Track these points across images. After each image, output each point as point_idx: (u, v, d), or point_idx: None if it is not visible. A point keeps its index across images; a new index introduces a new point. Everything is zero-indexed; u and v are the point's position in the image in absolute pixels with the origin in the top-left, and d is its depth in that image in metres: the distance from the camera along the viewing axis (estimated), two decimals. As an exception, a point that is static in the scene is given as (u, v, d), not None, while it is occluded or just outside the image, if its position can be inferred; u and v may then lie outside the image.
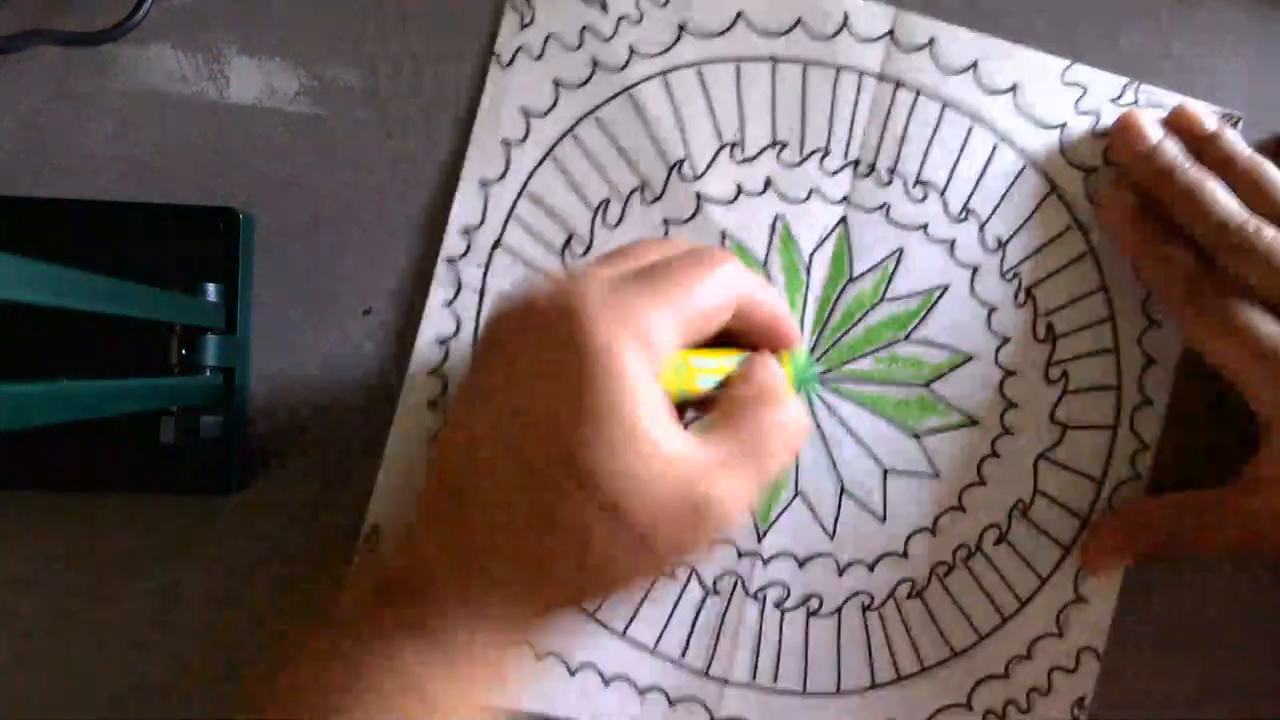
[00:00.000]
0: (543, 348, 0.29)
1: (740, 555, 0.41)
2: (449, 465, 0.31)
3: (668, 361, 0.30)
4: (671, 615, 0.41)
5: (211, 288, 0.39)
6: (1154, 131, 0.39)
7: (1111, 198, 0.40)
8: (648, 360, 0.29)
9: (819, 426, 0.41)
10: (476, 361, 0.31)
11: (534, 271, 0.41)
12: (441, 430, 0.33)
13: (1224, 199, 0.38)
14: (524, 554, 0.29)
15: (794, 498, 0.41)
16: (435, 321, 0.41)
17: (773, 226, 0.42)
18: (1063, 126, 0.41)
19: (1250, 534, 0.39)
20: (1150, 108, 0.41)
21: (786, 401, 0.32)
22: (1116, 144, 0.40)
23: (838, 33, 0.42)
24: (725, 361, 0.33)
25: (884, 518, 0.41)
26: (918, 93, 0.41)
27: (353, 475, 0.41)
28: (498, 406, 0.29)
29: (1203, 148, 0.39)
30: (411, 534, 0.32)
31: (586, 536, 0.28)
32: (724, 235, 0.41)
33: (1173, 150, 0.39)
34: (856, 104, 0.42)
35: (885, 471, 0.41)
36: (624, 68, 0.42)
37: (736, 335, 0.34)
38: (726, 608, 0.41)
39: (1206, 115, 0.40)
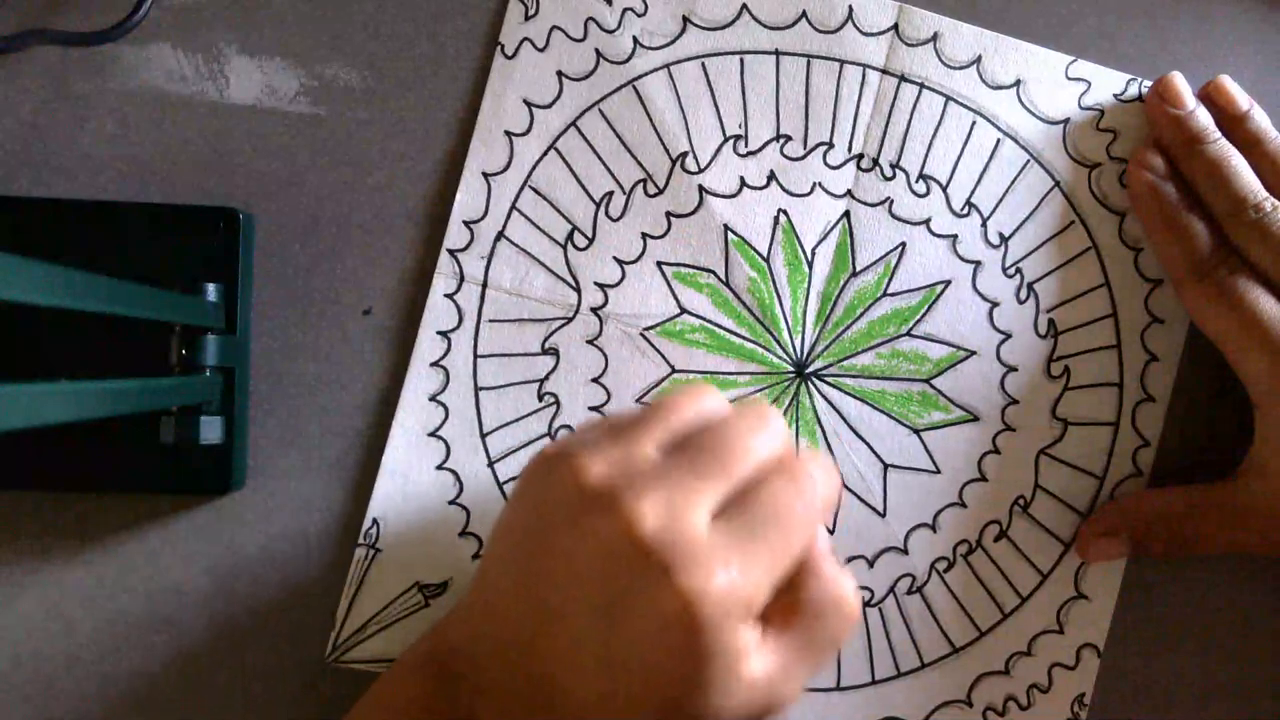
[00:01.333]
0: (647, 596, 0.29)
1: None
2: (517, 626, 0.32)
3: None
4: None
5: (211, 288, 0.39)
6: (1189, 99, 0.40)
7: (1143, 157, 0.40)
8: (752, 623, 0.30)
9: (819, 421, 0.41)
10: (546, 545, 0.32)
11: (535, 264, 0.41)
12: (502, 557, 0.34)
13: (1246, 176, 0.38)
14: None
15: (795, 494, 0.41)
16: (437, 314, 0.41)
17: (775, 220, 0.41)
18: (1066, 122, 0.41)
19: (1248, 531, 0.39)
20: (1154, 103, 0.41)
21: (852, 600, 0.32)
22: (1152, 103, 0.40)
23: (842, 26, 0.41)
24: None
25: (884, 513, 0.41)
26: (921, 87, 0.41)
27: (353, 475, 0.41)
28: (587, 610, 0.30)
29: (1233, 126, 0.40)
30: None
31: None
32: (727, 228, 0.41)
33: (1204, 120, 0.39)
34: (860, 98, 0.41)
35: (886, 467, 0.41)
36: (628, 60, 0.41)
37: None
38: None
39: (1240, 94, 0.40)
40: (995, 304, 0.41)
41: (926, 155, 0.41)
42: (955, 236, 0.41)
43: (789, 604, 0.31)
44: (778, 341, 0.41)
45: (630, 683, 0.29)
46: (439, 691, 0.34)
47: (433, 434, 0.41)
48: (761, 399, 0.33)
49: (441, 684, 0.34)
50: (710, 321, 0.41)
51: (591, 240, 0.41)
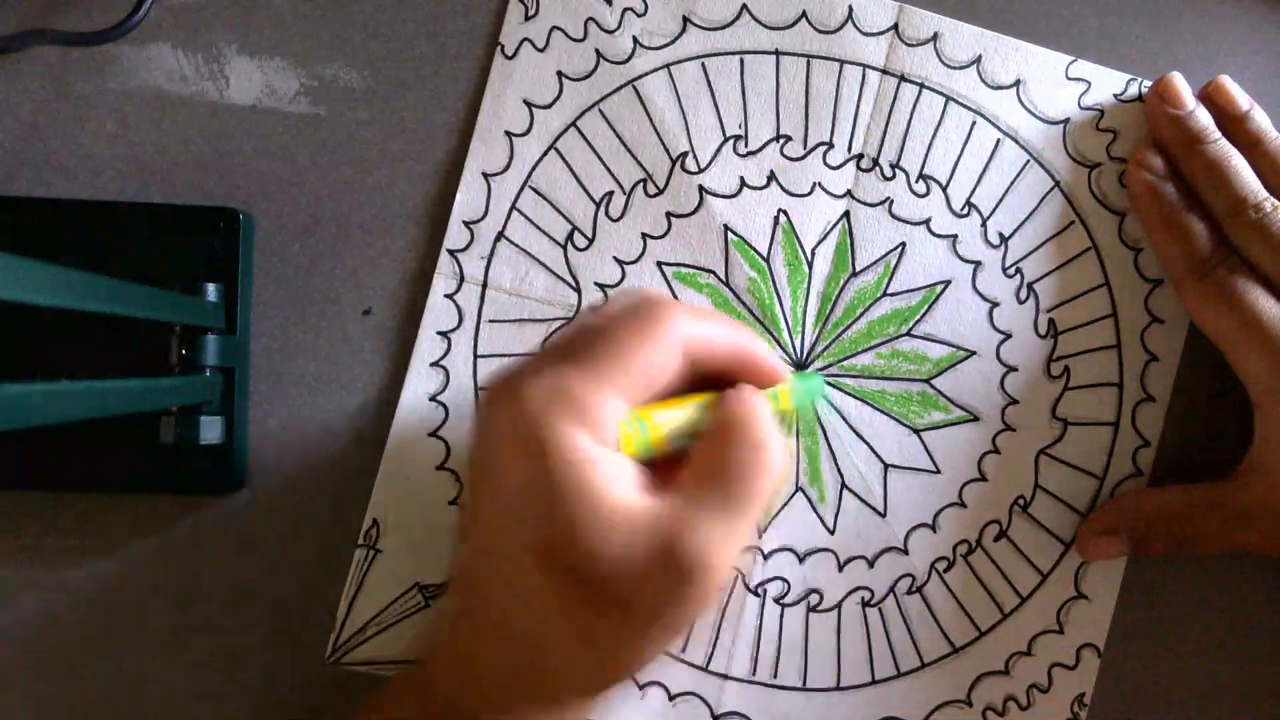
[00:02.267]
0: (501, 459, 0.29)
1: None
2: (459, 585, 0.32)
3: (622, 427, 0.30)
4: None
5: (211, 288, 0.39)
6: (1189, 99, 0.40)
7: (1142, 157, 0.40)
8: (594, 437, 0.29)
9: (820, 421, 0.41)
10: (467, 480, 0.32)
11: (536, 264, 0.41)
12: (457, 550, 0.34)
13: (1246, 176, 0.39)
14: (543, 671, 0.30)
15: (794, 493, 0.41)
16: (437, 314, 0.41)
17: (775, 220, 0.41)
18: (1066, 122, 0.41)
19: (1248, 531, 0.39)
20: (1154, 102, 0.41)
21: (756, 433, 0.31)
22: (1152, 103, 0.40)
23: (842, 26, 0.41)
24: (691, 407, 0.32)
25: (884, 513, 0.41)
26: (921, 87, 0.41)
27: (353, 475, 0.41)
28: (485, 524, 0.30)
29: (1233, 126, 0.40)
30: (435, 651, 0.33)
31: (587, 631, 0.29)
32: (727, 229, 0.41)
33: (1204, 119, 0.40)
34: (860, 98, 0.41)
35: (886, 467, 0.41)
36: (628, 60, 0.41)
37: (716, 380, 0.33)
38: (726, 603, 0.41)
39: (1240, 94, 0.40)
40: (995, 304, 0.41)
41: (926, 155, 0.41)
42: (955, 236, 0.41)
43: (701, 458, 0.31)
44: (778, 341, 0.41)
45: (517, 545, 0.29)
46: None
47: (433, 434, 0.41)
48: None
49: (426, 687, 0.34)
50: (710, 321, 0.41)
51: (591, 240, 0.41)
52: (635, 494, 0.29)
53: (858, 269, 0.41)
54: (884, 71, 0.41)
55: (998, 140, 0.41)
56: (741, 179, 0.41)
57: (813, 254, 0.41)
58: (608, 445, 0.29)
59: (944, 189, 0.41)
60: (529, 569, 0.28)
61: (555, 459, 0.28)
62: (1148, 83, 0.41)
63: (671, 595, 0.28)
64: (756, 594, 0.41)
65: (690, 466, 0.30)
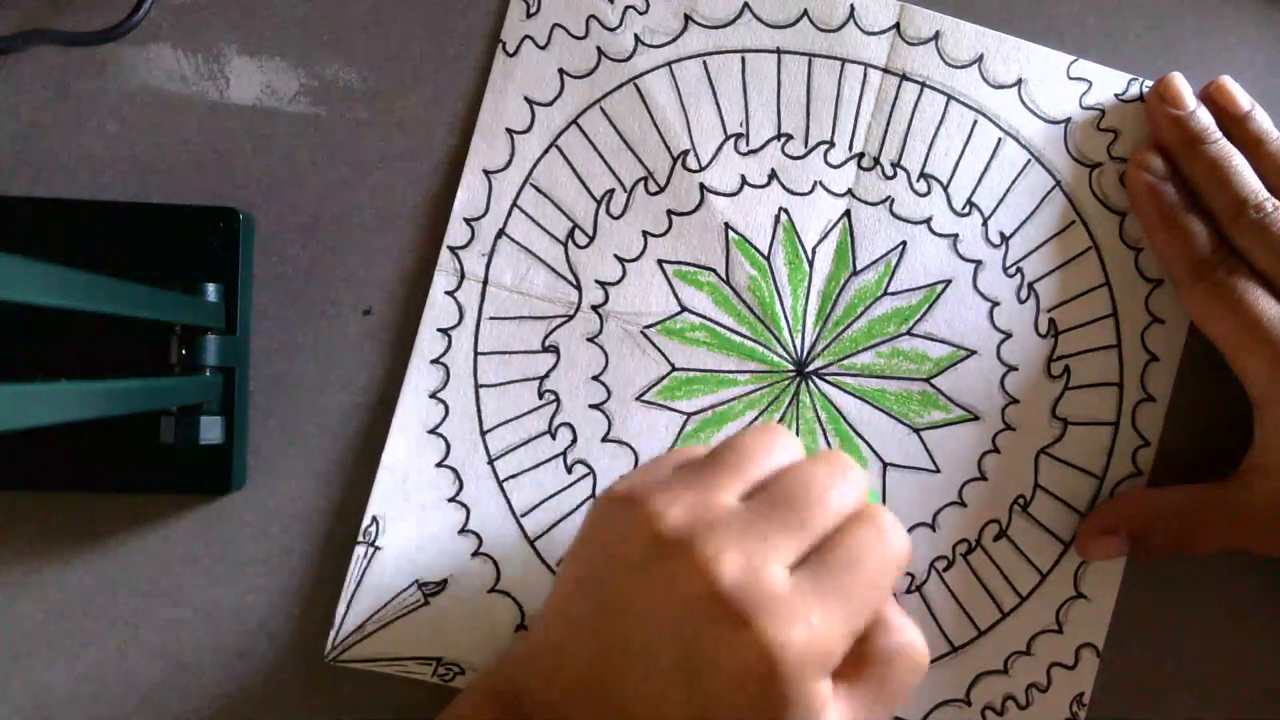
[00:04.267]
0: (729, 648, 0.29)
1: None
2: (595, 668, 0.31)
3: None
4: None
5: (211, 288, 0.39)
6: (1190, 99, 0.40)
7: (1142, 158, 0.40)
8: (826, 678, 0.30)
9: (819, 420, 0.41)
10: (630, 588, 0.31)
11: (536, 262, 0.41)
12: (577, 598, 0.33)
13: (1247, 176, 0.38)
14: None
15: (795, 493, 0.41)
16: (437, 310, 0.41)
17: (776, 219, 0.41)
18: (1067, 121, 0.41)
19: (1248, 531, 0.39)
20: (1155, 102, 0.41)
21: (921, 648, 0.32)
22: (1152, 104, 0.40)
23: (843, 25, 0.41)
24: None
25: (885, 513, 0.41)
26: (923, 86, 0.41)
27: (353, 475, 0.41)
28: (669, 661, 0.30)
29: (1234, 126, 0.40)
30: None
31: None
32: (728, 227, 0.41)
33: (1205, 120, 0.39)
34: (861, 97, 0.41)
35: (885, 466, 0.41)
36: (630, 58, 0.41)
37: None
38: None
39: (1241, 94, 0.40)
40: (996, 303, 0.41)
41: (927, 154, 0.41)
42: (956, 236, 0.41)
43: (859, 655, 0.31)
44: (778, 340, 0.41)
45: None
46: None
47: (433, 431, 0.41)
48: (838, 451, 0.33)
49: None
50: (711, 320, 0.41)
51: (592, 238, 0.41)
52: (834, 715, 0.30)
53: (858, 268, 0.41)
54: (885, 70, 0.41)
55: (999, 139, 0.41)
56: (742, 177, 0.41)
57: (813, 252, 0.41)
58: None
59: (945, 188, 0.41)
60: None
61: (796, 712, 0.29)
62: (1149, 83, 0.41)
63: None
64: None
65: (867, 680, 0.31)
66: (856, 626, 0.30)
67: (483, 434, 0.41)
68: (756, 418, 0.41)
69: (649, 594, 0.30)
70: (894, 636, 0.32)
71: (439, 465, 0.41)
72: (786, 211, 0.41)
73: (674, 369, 0.41)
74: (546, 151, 0.41)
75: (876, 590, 0.31)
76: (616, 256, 0.41)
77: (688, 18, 0.41)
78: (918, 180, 0.41)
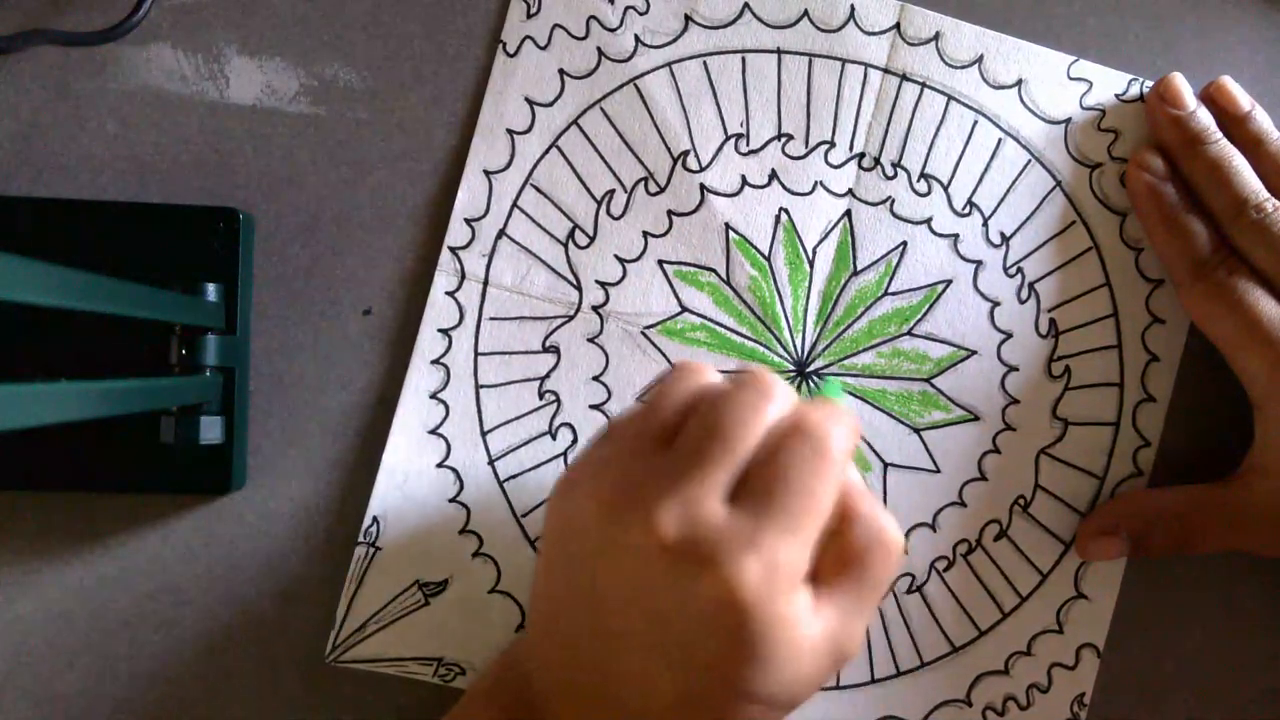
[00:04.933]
0: (690, 595, 0.29)
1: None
2: (581, 650, 0.32)
3: None
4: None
5: (211, 288, 0.39)
6: (1190, 99, 0.40)
7: (1142, 158, 0.40)
8: (796, 593, 0.30)
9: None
10: (582, 546, 0.31)
11: (537, 262, 0.41)
12: (551, 588, 0.34)
13: (1247, 176, 0.39)
14: None
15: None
16: (438, 311, 0.41)
17: (777, 219, 0.41)
18: (1067, 122, 0.41)
19: (1248, 532, 0.39)
20: (1156, 102, 0.41)
21: (893, 533, 0.32)
22: (1153, 104, 0.40)
23: (844, 25, 0.41)
24: None
25: (885, 514, 0.41)
26: (923, 87, 0.41)
27: (353, 475, 0.41)
28: (642, 622, 0.30)
29: (1234, 126, 0.40)
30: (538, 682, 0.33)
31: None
32: (728, 227, 0.41)
33: (1205, 120, 0.39)
34: (862, 97, 0.41)
35: (886, 466, 0.41)
36: (630, 58, 0.41)
37: None
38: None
39: (1241, 94, 0.40)
40: (996, 303, 0.41)
41: (928, 154, 0.41)
42: (956, 236, 0.41)
43: (835, 553, 0.31)
44: (778, 340, 0.41)
45: (697, 681, 0.30)
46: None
47: (433, 431, 0.41)
48: (759, 367, 0.33)
49: (516, 713, 0.34)
50: (711, 320, 0.41)
51: (593, 238, 0.41)
52: (816, 625, 0.30)
53: (859, 268, 0.41)
54: (886, 71, 0.41)
55: (999, 140, 0.41)
56: (743, 177, 0.41)
57: (814, 253, 0.41)
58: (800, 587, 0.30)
59: (945, 188, 0.41)
60: (712, 687, 0.30)
61: (771, 636, 0.29)
62: (1149, 83, 0.41)
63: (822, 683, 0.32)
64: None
65: (840, 571, 0.31)
66: (809, 535, 0.30)
67: (483, 434, 0.41)
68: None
69: (608, 569, 0.30)
70: (865, 526, 0.31)
71: (439, 466, 0.41)
72: (787, 211, 0.41)
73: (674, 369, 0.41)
74: (547, 152, 0.41)
75: (819, 494, 0.30)
76: (617, 257, 0.41)
77: (688, 18, 0.41)
78: (918, 180, 0.41)
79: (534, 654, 0.34)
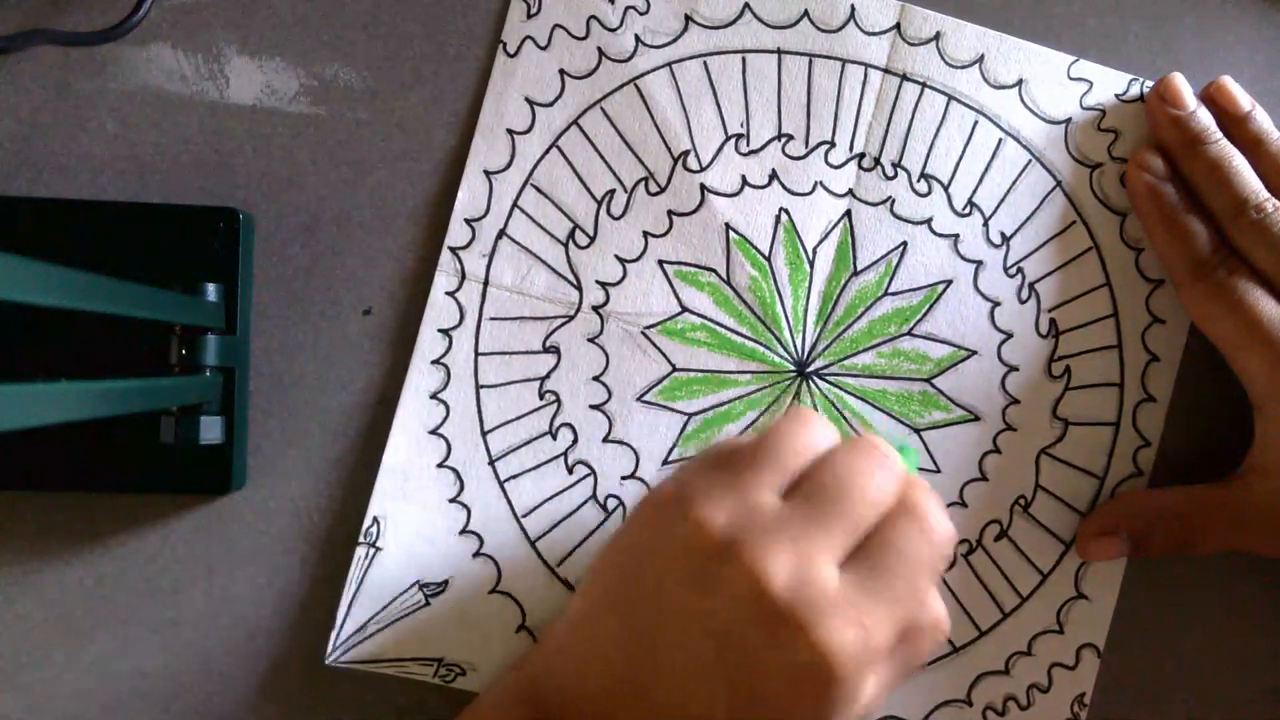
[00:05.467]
0: (782, 649, 0.29)
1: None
2: (624, 673, 0.31)
3: None
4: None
5: (211, 288, 0.39)
6: (1191, 99, 0.40)
7: (1142, 159, 0.40)
8: (879, 669, 0.30)
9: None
10: (672, 582, 0.31)
11: (537, 262, 0.41)
12: (611, 597, 0.33)
13: (1248, 176, 0.38)
14: None
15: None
16: (438, 311, 0.41)
17: (777, 219, 0.41)
18: (1068, 121, 0.41)
19: (1249, 532, 0.39)
20: (1156, 102, 0.41)
21: (945, 623, 0.32)
22: (1153, 104, 0.40)
23: (844, 25, 0.41)
24: None
25: (886, 514, 0.41)
26: (923, 87, 0.41)
27: (353, 475, 0.41)
28: (715, 663, 0.30)
29: (1234, 126, 0.40)
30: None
31: None
32: (728, 227, 0.41)
33: (1205, 120, 0.39)
34: (862, 97, 0.41)
35: (887, 467, 0.41)
36: (630, 58, 0.41)
37: None
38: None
39: (1241, 94, 0.40)
40: (996, 304, 0.41)
41: (928, 155, 0.41)
42: (957, 236, 0.41)
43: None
44: (779, 340, 0.41)
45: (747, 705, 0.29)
46: None
47: (433, 431, 0.41)
48: (871, 437, 0.33)
49: None
50: (711, 320, 0.41)
51: (593, 238, 0.41)
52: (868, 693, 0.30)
53: (859, 268, 0.41)
54: (886, 71, 0.41)
55: (999, 140, 0.41)
56: (743, 178, 0.41)
57: (814, 253, 0.41)
58: None
59: (945, 188, 0.41)
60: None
61: (848, 707, 0.29)
62: (1149, 83, 0.41)
63: None
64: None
65: (897, 645, 0.31)
66: (903, 621, 0.30)
67: (483, 435, 0.41)
68: (758, 418, 0.41)
69: (693, 596, 0.30)
70: (928, 612, 0.31)
71: (440, 466, 0.41)
72: (787, 212, 0.41)
73: (675, 369, 0.41)
74: (547, 152, 0.41)
75: (922, 583, 0.31)
76: (617, 257, 0.41)
77: (688, 18, 0.41)
78: (918, 180, 0.41)
79: (566, 664, 0.33)
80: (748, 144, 0.41)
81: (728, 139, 0.41)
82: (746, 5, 0.41)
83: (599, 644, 0.32)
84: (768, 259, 0.41)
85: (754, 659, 0.29)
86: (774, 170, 0.41)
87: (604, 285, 0.41)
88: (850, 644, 0.29)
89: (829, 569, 0.30)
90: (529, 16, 0.41)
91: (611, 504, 0.41)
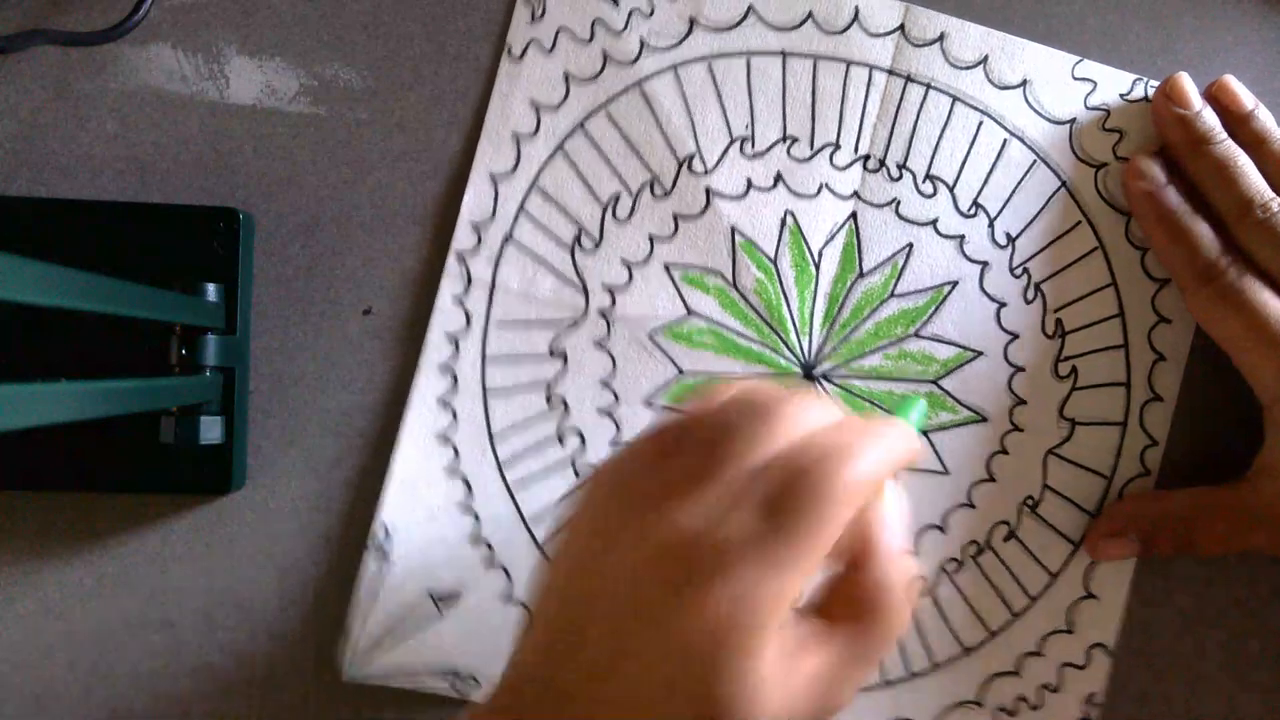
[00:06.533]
0: (680, 642, 0.26)
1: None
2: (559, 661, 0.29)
3: None
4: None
5: (211, 288, 0.39)
6: (1196, 99, 0.40)
7: (1139, 167, 0.40)
8: (769, 628, 0.27)
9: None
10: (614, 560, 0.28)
11: (543, 266, 0.41)
12: (553, 602, 0.30)
13: (1253, 176, 0.38)
14: None
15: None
16: (445, 316, 0.41)
17: (782, 221, 0.41)
18: (1072, 122, 0.41)
19: (1258, 532, 0.39)
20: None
21: (897, 591, 0.29)
22: (1159, 104, 0.40)
23: (848, 27, 0.41)
24: None
25: (893, 516, 0.41)
26: (928, 88, 0.41)
27: (353, 475, 0.41)
28: (636, 667, 0.27)
29: (1237, 125, 0.39)
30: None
31: None
32: (734, 230, 0.41)
33: (1211, 120, 0.39)
34: (867, 99, 0.41)
35: (894, 469, 0.41)
36: (635, 61, 0.41)
37: None
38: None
39: (1245, 93, 0.40)
40: (1002, 304, 0.41)
41: (933, 156, 0.41)
42: (962, 237, 0.41)
43: (846, 591, 0.29)
44: (785, 343, 0.41)
45: (665, 692, 0.27)
46: None
47: (441, 437, 0.41)
48: (760, 383, 0.30)
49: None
50: (718, 323, 0.41)
51: (599, 242, 0.41)
52: (805, 673, 0.27)
53: (865, 270, 0.41)
54: (890, 72, 0.41)
55: (1004, 140, 0.41)
56: (748, 180, 0.41)
57: (820, 255, 0.41)
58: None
59: (951, 189, 0.41)
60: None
61: (745, 681, 0.26)
62: (1154, 82, 0.41)
63: None
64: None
65: (846, 619, 0.29)
66: (808, 572, 0.27)
67: (491, 440, 0.41)
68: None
69: (612, 561, 0.28)
70: (880, 569, 0.29)
71: (448, 472, 0.41)
72: (793, 214, 0.41)
73: (681, 373, 0.41)
74: (552, 156, 0.41)
75: (826, 535, 0.27)
76: (623, 261, 0.41)
77: (693, 21, 0.41)
78: (924, 182, 0.41)
79: (534, 673, 0.31)
80: (753, 146, 0.41)
81: (733, 142, 0.41)
82: (751, 7, 0.41)
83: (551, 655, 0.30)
84: (773, 261, 0.41)
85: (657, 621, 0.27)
86: (779, 172, 0.41)
87: (610, 289, 0.41)
88: (722, 599, 0.26)
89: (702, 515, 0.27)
90: (534, 20, 0.41)
91: (617, 507, 0.41)
